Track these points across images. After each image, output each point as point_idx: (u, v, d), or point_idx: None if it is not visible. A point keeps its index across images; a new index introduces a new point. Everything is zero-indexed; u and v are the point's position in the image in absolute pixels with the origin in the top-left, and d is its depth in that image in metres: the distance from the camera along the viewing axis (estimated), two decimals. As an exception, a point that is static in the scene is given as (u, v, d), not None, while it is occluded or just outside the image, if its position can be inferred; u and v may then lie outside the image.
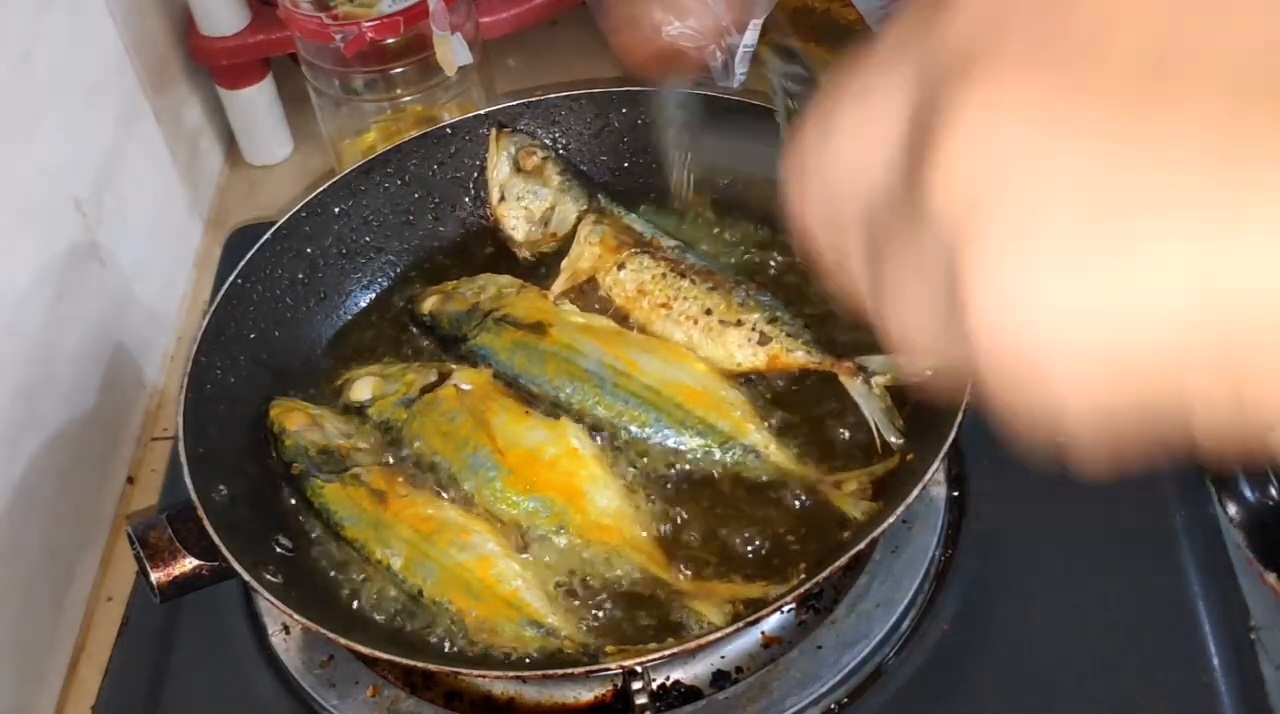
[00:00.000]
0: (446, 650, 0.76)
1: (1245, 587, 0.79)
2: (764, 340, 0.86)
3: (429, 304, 0.93)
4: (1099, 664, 0.77)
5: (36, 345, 0.89)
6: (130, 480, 0.99)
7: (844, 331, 0.89)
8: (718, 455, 0.81)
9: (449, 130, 1.00)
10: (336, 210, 0.97)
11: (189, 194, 1.15)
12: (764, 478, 0.80)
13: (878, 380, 0.82)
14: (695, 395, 0.83)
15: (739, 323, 0.87)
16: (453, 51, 1.04)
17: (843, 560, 0.71)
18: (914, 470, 0.76)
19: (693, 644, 0.70)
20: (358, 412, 0.89)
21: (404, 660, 0.73)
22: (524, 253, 0.98)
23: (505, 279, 0.93)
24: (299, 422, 0.86)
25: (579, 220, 0.96)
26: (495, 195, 0.98)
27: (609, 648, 0.74)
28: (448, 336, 0.91)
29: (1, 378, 0.84)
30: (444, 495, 0.82)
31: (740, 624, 0.71)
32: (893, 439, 0.80)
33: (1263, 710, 0.74)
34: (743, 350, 0.86)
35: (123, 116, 1.05)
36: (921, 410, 0.81)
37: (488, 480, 0.81)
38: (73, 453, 0.92)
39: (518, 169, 0.97)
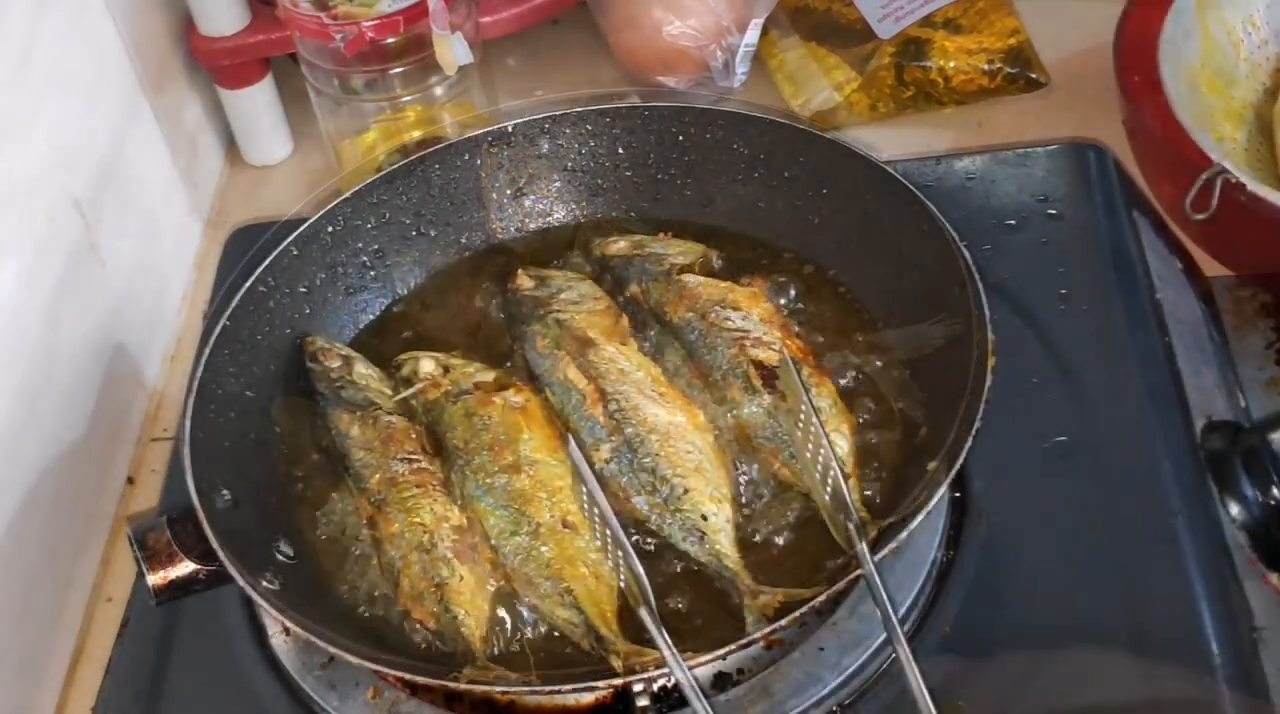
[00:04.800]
0: (446, 651, 0.76)
1: (1248, 588, 0.79)
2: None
3: (521, 280, 0.94)
4: (1100, 665, 0.76)
5: (36, 345, 0.89)
6: (130, 481, 0.99)
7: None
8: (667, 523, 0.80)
9: (470, 141, 1.00)
10: (356, 220, 0.97)
11: (189, 194, 1.15)
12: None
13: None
14: (681, 459, 0.81)
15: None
16: (453, 51, 1.03)
17: (852, 575, 0.72)
18: (931, 477, 0.77)
19: (734, 646, 0.71)
20: (406, 383, 0.89)
21: (399, 673, 0.73)
22: None
23: (597, 292, 0.93)
24: (330, 355, 0.90)
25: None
26: None
27: (628, 654, 0.74)
28: (513, 314, 0.93)
29: (1, 378, 0.84)
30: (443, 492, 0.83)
31: (765, 630, 0.71)
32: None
33: (1265, 712, 0.74)
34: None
35: (123, 117, 1.05)
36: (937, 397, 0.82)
37: (486, 490, 0.81)
38: (73, 453, 0.92)
39: None
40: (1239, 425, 0.84)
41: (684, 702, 0.75)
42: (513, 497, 0.80)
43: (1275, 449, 0.79)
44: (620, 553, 0.74)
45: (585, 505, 0.76)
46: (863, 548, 0.72)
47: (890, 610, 0.70)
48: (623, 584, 0.75)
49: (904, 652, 0.69)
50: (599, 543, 0.76)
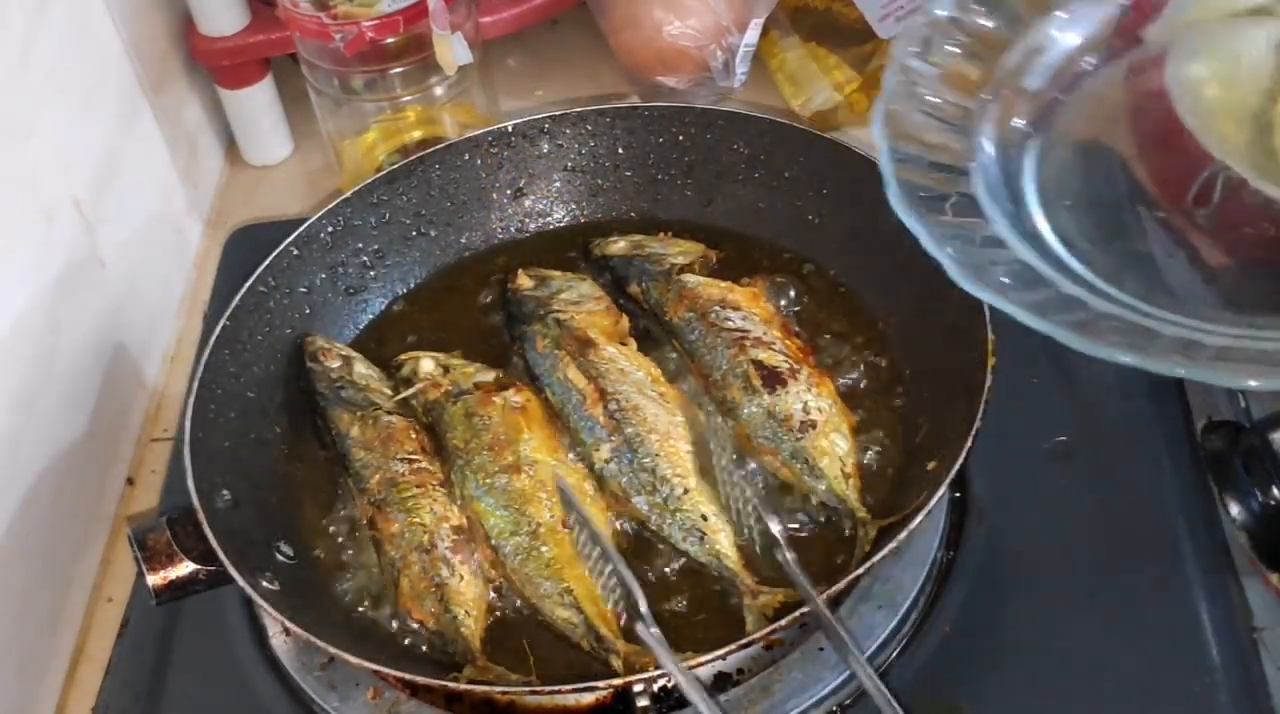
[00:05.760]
0: (448, 655, 0.76)
1: (1248, 588, 0.79)
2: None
3: (521, 280, 0.94)
4: (1100, 665, 0.76)
5: (36, 346, 0.88)
6: (130, 481, 0.99)
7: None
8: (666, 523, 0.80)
9: (470, 141, 1.00)
10: (356, 220, 0.97)
11: (189, 194, 1.15)
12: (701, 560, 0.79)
13: None
14: (681, 459, 0.81)
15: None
16: (453, 51, 1.03)
17: (852, 575, 0.72)
18: (931, 476, 0.77)
19: (734, 646, 0.71)
20: (406, 383, 0.89)
21: (399, 674, 0.73)
22: None
23: (597, 291, 0.93)
24: (330, 355, 0.90)
25: None
26: None
27: (628, 654, 0.74)
28: (513, 314, 0.93)
29: (1, 378, 0.84)
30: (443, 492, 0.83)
31: (765, 631, 0.72)
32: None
33: (1265, 711, 0.74)
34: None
35: (122, 116, 1.05)
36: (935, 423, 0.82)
37: (486, 490, 0.82)
38: (72, 453, 0.92)
39: None
40: (1239, 425, 0.84)
41: (684, 702, 0.75)
42: (513, 497, 0.80)
43: (1275, 449, 0.79)
44: (609, 566, 0.74)
45: (576, 532, 0.77)
46: (808, 591, 0.73)
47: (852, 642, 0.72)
48: (618, 609, 0.75)
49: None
50: (589, 560, 0.77)
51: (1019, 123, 0.84)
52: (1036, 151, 0.83)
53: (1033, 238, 0.77)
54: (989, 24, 0.86)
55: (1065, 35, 0.87)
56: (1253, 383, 0.65)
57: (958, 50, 0.85)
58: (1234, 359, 0.66)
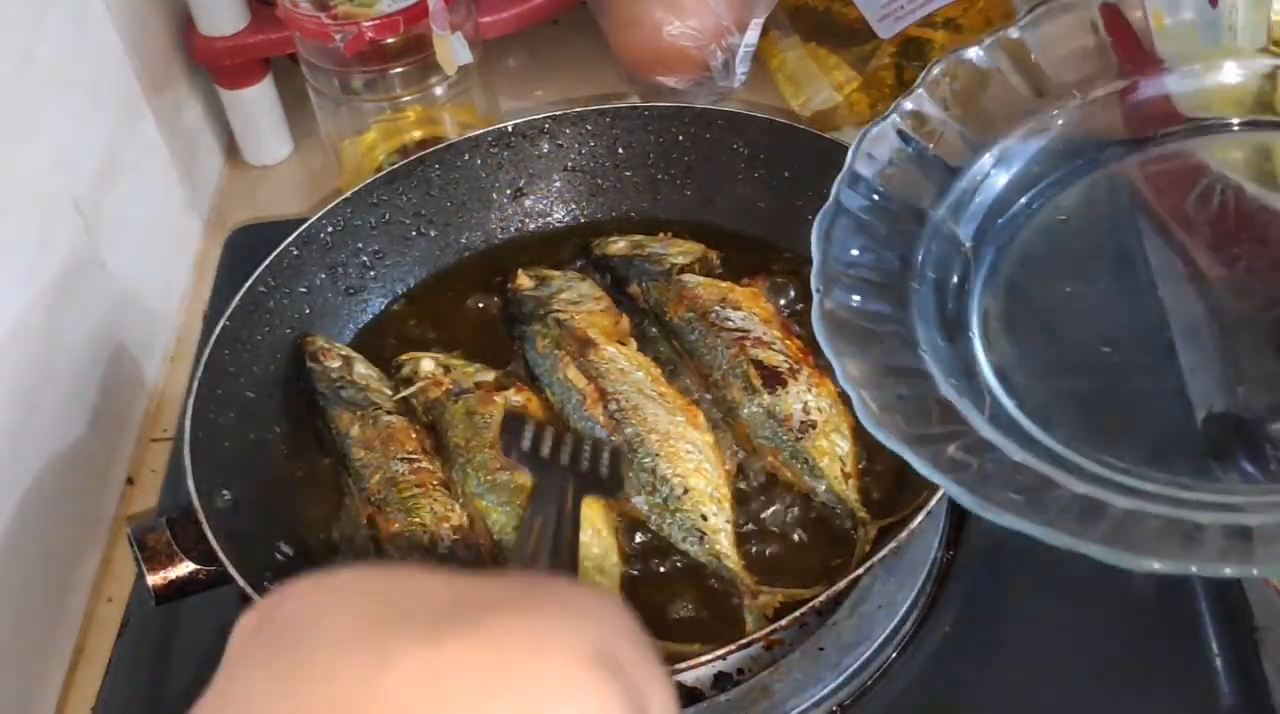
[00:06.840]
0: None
1: (1248, 588, 0.79)
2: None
3: (521, 280, 0.94)
4: (1100, 665, 0.76)
5: (36, 346, 0.88)
6: (130, 481, 0.99)
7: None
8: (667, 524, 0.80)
9: (470, 141, 1.00)
10: (356, 220, 0.97)
11: (188, 194, 1.15)
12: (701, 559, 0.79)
13: None
14: (681, 459, 0.81)
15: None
16: (453, 51, 1.03)
17: (852, 575, 0.72)
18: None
19: (734, 646, 0.71)
20: (406, 383, 0.89)
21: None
22: None
23: (597, 291, 0.93)
24: (330, 355, 0.90)
25: None
26: None
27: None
28: (513, 314, 0.93)
29: (1, 378, 0.84)
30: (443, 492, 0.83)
31: (765, 631, 0.72)
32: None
33: (1264, 711, 0.74)
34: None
35: (122, 116, 1.05)
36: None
37: (488, 488, 0.82)
38: (72, 453, 0.92)
39: None
40: (1239, 417, 0.84)
41: (683, 702, 0.75)
42: (514, 494, 0.81)
43: (1275, 441, 0.79)
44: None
45: None
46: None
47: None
48: None
49: None
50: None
51: (967, 237, 0.79)
52: (987, 268, 0.79)
53: (964, 368, 0.73)
54: (951, 132, 0.80)
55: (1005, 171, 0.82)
56: (1156, 566, 0.58)
57: (911, 156, 0.80)
58: (1136, 531, 0.61)
